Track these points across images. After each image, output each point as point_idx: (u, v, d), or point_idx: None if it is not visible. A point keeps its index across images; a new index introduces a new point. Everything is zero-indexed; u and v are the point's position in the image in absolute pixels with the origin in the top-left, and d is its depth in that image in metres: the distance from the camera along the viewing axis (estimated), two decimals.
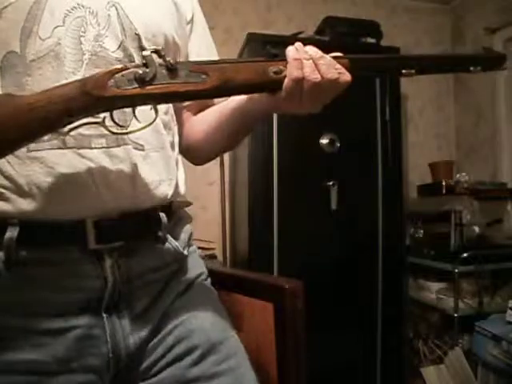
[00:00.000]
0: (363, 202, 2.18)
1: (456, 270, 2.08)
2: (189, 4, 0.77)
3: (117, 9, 0.62)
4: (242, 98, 0.68)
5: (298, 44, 0.62)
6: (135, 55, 0.62)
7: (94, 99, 0.51)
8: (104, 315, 0.60)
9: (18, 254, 0.56)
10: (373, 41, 2.33)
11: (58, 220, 0.57)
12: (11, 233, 0.55)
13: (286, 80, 0.59)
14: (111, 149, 0.60)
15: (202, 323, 0.68)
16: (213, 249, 2.26)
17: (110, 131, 0.54)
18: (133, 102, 0.54)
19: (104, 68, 0.56)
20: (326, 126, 2.08)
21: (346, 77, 0.60)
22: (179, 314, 0.67)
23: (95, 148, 0.58)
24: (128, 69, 0.53)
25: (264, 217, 2.04)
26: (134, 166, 0.62)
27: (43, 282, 0.57)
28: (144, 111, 0.58)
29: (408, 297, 2.41)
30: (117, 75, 0.52)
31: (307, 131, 1.96)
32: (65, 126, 0.52)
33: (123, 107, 0.55)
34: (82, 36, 0.59)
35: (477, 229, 2.19)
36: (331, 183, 2.09)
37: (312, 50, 0.61)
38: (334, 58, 0.61)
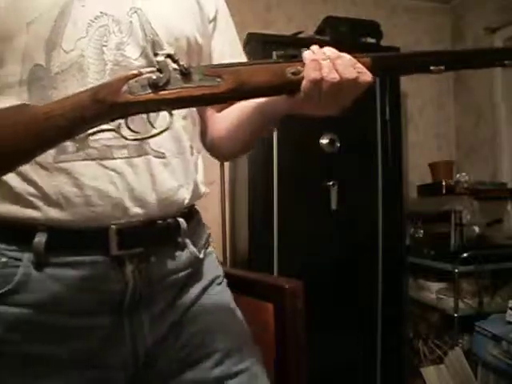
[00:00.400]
0: (363, 202, 2.18)
1: (456, 270, 2.08)
2: (211, 2, 0.76)
3: (138, 15, 0.62)
4: (263, 98, 0.68)
5: (315, 46, 0.60)
6: (155, 61, 0.62)
7: (107, 106, 0.51)
8: (125, 316, 0.63)
9: (47, 257, 0.59)
10: (373, 41, 2.33)
11: (83, 227, 0.60)
12: (40, 238, 0.58)
13: (304, 81, 0.57)
14: (133, 159, 0.61)
15: (220, 328, 0.70)
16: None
17: (124, 138, 0.55)
18: (147, 107, 0.54)
19: None
20: (326, 126, 2.08)
21: (366, 76, 0.58)
22: (196, 318, 0.69)
23: (118, 158, 0.60)
24: (142, 74, 0.53)
25: (264, 217, 2.04)
26: (155, 175, 0.63)
27: (69, 283, 0.60)
28: (162, 118, 0.58)
29: (408, 297, 2.41)
30: (130, 81, 0.52)
31: (307, 131, 1.96)
32: (80, 133, 0.53)
33: (137, 113, 0.54)
34: (104, 45, 0.59)
35: (477, 229, 2.19)
36: (331, 183, 2.09)
37: (330, 50, 0.59)
38: (355, 57, 0.59)
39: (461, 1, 2.83)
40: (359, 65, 0.58)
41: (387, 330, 2.19)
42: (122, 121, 0.54)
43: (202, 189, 0.74)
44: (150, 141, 0.61)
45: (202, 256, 0.73)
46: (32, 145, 0.50)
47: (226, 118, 0.78)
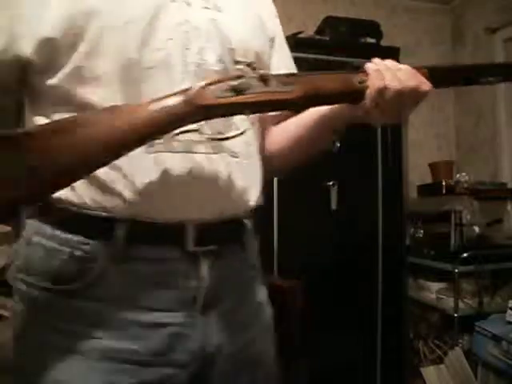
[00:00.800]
0: (363, 202, 2.19)
1: (456, 270, 2.08)
2: (271, 21, 0.81)
3: (215, 25, 0.67)
4: (324, 108, 0.72)
5: (376, 59, 0.64)
6: (230, 67, 0.67)
7: (195, 108, 0.55)
8: (198, 314, 0.64)
9: (125, 251, 0.60)
10: (373, 41, 2.33)
11: (162, 221, 0.62)
12: (120, 230, 0.60)
13: (369, 89, 0.61)
14: (211, 155, 0.64)
15: (267, 350, 0.74)
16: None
17: (207, 138, 0.59)
18: (229, 110, 0.58)
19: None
20: None
21: (426, 85, 0.62)
22: (253, 329, 0.72)
23: (198, 153, 0.63)
24: (224, 80, 0.57)
25: (264, 217, 2.04)
26: (230, 173, 0.66)
27: (146, 278, 0.62)
28: (236, 122, 0.64)
29: (408, 297, 2.41)
30: (214, 86, 0.57)
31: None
32: (170, 132, 0.58)
33: (221, 116, 0.59)
34: (187, 49, 0.64)
35: (477, 229, 2.19)
36: (331, 183, 2.09)
37: (391, 62, 0.64)
38: (413, 68, 0.63)
39: (461, 1, 2.83)
40: (419, 75, 0.63)
41: (387, 330, 2.19)
42: (203, 122, 0.59)
43: (261, 197, 0.76)
44: (225, 141, 0.65)
45: (256, 262, 0.76)
46: (132, 140, 0.54)
47: (283, 131, 0.82)
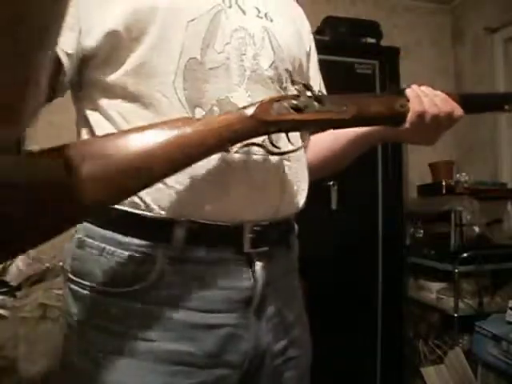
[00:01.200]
0: (363, 202, 2.18)
1: (456, 270, 2.08)
2: (307, 37, 0.84)
3: (268, 33, 0.70)
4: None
5: (414, 86, 0.70)
6: (283, 74, 0.71)
7: (259, 123, 0.58)
8: (252, 314, 0.66)
9: (184, 252, 0.61)
10: (373, 41, 2.33)
11: (220, 222, 0.62)
12: (179, 232, 0.61)
13: (410, 113, 0.67)
14: (268, 157, 0.66)
15: (306, 351, 0.76)
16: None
17: (268, 152, 0.62)
18: (291, 126, 0.61)
19: (259, 84, 0.67)
20: None
21: (459, 111, 0.70)
22: (294, 333, 0.73)
23: (255, 154, 0.65)
24: (285, 98, 0.61)
25: None
26: (283, 175, 0.69)
27: (203, 279, 0.62)
28: (295, 135, 0.67)
29: (408, 297, 2.41)
30: (276, 103, 0.59)
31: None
32: (235, 144, 0.59)
33: (283, 131, 0.62)
34: (243, 54, 0.66)
35: (477, 229, 2.19)
36: (331, 183, 2.09)
37: (428, 89, 0.70)
38: (447, 94, 0.70)
39: (461, 1, 2.82)
40: (452, 101, 0.69)
41: (387, 330, 2.19)
42: (265, 136, 0.61)
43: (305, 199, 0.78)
44: (286, 147, 0.67)
45: (297, 264, 0.79)
46: (197, 153, 0.55)
47: (322, 143, 0.85)
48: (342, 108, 0.63)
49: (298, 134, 0.71)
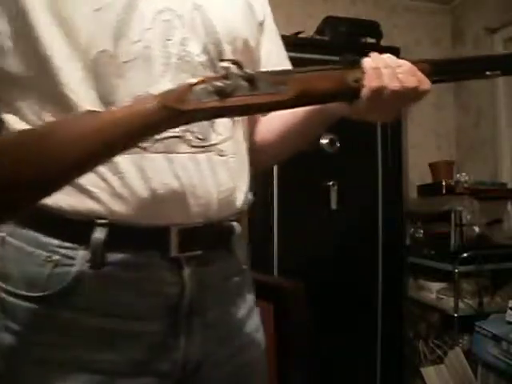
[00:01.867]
0: (363, 202, 2.18)
1: (456, 270, 2.08)
2: (260, 6, 0.76)
3: (200, 12, 0.62)
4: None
5: (375, 53, 0.60)
6: (216, 58, 0.63)
7: (174, 113, 0.50)
8: (181, 322, 0.61)
9: (104, 256, 0.57)
10: (373, 41, 2.33)
11: (145, 225, 0.58)
12: (99, 234, 0.56)
13: (365, 89, 0.57)
14: (196, 154, 0.60)
15: (257, 357, 0.71)
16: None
17: (189, 144, 0.55)
18: (213, 114, 0.54)
19: (189, 73, 0.58)
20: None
21: (426, 85, 0.58)
22: (242, 339, 0.69)
23: (182, 153, 0.59)
24: (208, 81, 0.52)
25: (264, 217, 2.04)
26: (216, 173, 0.62)
27: (125, 284, 0.58)
28: (224, 122, 0.58)
29: (408, 297, 2.41)
30: (196, 88, 0.51)
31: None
32: (147, 139, 0.53)
33: (203, 120, 0.54)
34: (168, 39, 0.59)
35: (477, 229, 2.19)
36: (331, 183, 2.09)
37: (390, 58, 0.59)
38: (413, 63, 0.59)
39: (461, 1, 2.82)
40: (419, 73, 0.58)
41: (387, 330, 2.19)
42: (186, 127, 0.54)
43: (249, 195, 0.73)
44: (212, 138, 0.62)
45: (245, 267, 0.73)
46: (101, 150, 0.49)
47: (277, 123, 0.77)
48: (280, 88, 0.54)
49: (229, 121, 0.63)
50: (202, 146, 0.59)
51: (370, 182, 2.20)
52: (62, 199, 0.56)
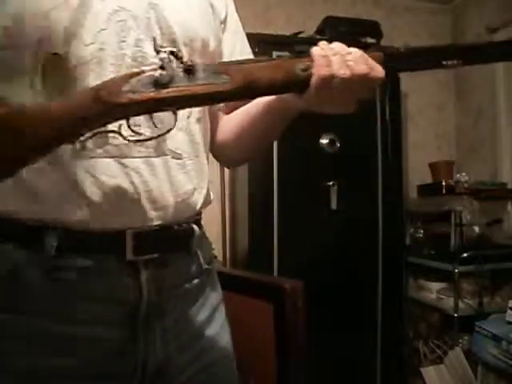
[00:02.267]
0: (363, 202, 2.18)
1: (456, 270, 2.08)
2: (223, 4, 0.74)
3: (156, 11, 0.60)
4: (269, 98, 0.65)
5: (323, 42, 0.58)
6: (174, 60, 0.61)
7: (108, 106, 0.48)
8: (139, 326, 0.60)
9: (57, 261, 0.56)
10: (373, 41, 2.33)
11: (98, 229, 0.57)
12: (51, 239, 0.55)
13: (314, 78, 0.54)
14: (151, 158, 0.59)
15: (224, 357, 0.70)
16: (212, 249, 2.26)
17: (124, 138, 0.52)
18: (149, 107, 0.51)
19: None
20: (326, 126, 2.08)
21: (377, 72, 0.56)
22: (203, 343, 0.68)
23: (136, 157, 0.58)
24: (144, 72, 0.50)
25: (264, 217, 2.04)
26: (172, 176, 0.61)
27: (81, 290, 0.57)
28: (168, 119, 0.55)
29: (408, 297, 2.41)
30: (132, 80, 0.49)
31: (307, 131, 1.96)
32: (82, 135, 0.51)
33: (139, 114, 0.52)
34: (122, 41, 0.57)
35: (477, 229, 2.19)
36: (331, 183, 2.09)
37: (339, 45, 0.57)
38: (366, 51, 0.57)
39: (461, 1, 2.82)
40: (371, 60, 0.56)
41: (387, 330, 2.19)
42: (124, 121, 0.51)
43: (211, 195, 0.73)
44: (168, 141, 0.60)
45: (210, 267, 0.72)
46: (32, 144, 0.48)
47: (234, 121, 0.76)
48: (221, 78, 0.51)
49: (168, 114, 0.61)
50: (137, 141, 0.56)
51: (369, 182, 2.20)
52: (13, 203, 0.55)
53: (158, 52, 0.52)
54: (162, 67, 0.50)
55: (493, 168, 2.55)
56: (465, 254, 2.09)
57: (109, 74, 0.56)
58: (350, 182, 2.14)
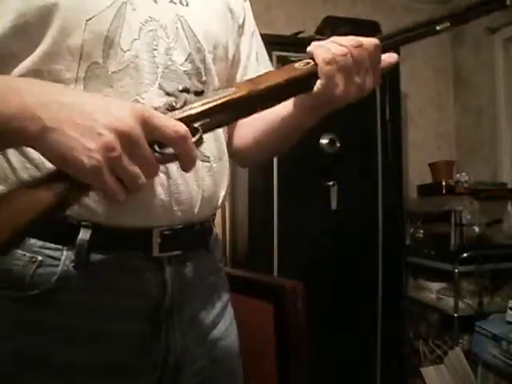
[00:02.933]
0: (363, 202, 2.18)
1: (456, 270, 2.08)
2: (241, 8, 0.78)
3: (182, 22, 0.63)
4: (288, 105, 0.68)
5: (315, 42, 0.61)
6: (201, 67, 0.65)
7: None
8: (161, 321, 0.62)
9: (88, 257, 0.58)
10: None
11: (128, 227, 0.59)
12: (84, 235, 0.57)
13: (320, 64, 0.57)
14: None
15: (232, 350, 0.73)
16: None
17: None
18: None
19: (175, 81, 0.60)
20: (326, 126, 2.08)
21: (371, 40, 0.60)
22: (215, 334, 0.70)
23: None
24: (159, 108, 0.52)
25: (264, 217, 2.04)
26: (200, 179, 0.64)
27: (108, 285, 0.59)
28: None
29: (408, 297, 2.41)
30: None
31: (307, 131, 1.96)
32: None
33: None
34: (154, 49, 0.60)
35: (477, 229, 2.19)
36: (331, 183, 2.09)
37: (330, 39, 0.61)
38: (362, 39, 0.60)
39: (461, 1, 2.82)
40: (360, 38, 0.60)
41: (387, 330, 2.19)
42: None
43: (226, 196, 0.75)
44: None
45: (221, 265, 0.75)
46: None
47: (253, 124, 0.78)
48: (229, 90, 0.54)
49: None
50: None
51: (369, 182, 2.20)
52: None
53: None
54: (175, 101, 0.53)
55: (493, 168, 2.55)
56: (465, 254, 2.09)
57: (146, 79, 0.59)
58: (350, 181, 2.14)
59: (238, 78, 0.79)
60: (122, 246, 0.60)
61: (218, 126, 0.57)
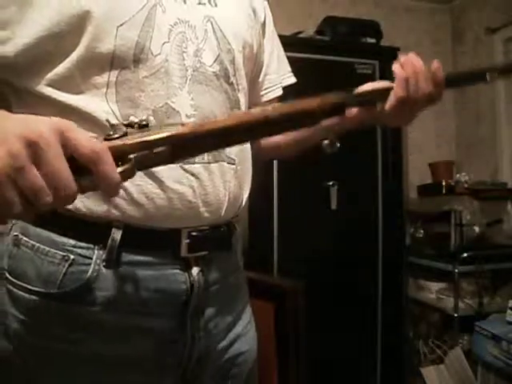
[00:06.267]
0: (363, 202, 2.18)
1: (456, 270, 2.08)
2: (262, 7, 0.79)
3: (211, 23, 0.64)
4: None
5: (404, 57, 0.67)
6: (229, 68, 0.66)
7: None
8: (188, 318, 0.64)
9: (119, 256, 0.60)
10: (373, 41, 2.33)
11: (158, 228, 0.61)
12: (115, 235, 0.59)
13: (393, 98, 0.67)
14: (210, 164, 0.63)
15: (250, 348, 0.74)
16: None
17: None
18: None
19: (204, 84, 0.62)
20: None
21: (439, 94, 0.69)
22: (236, 330, 0.72)
23: (197, 163, 0.62)
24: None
25: (264, 217, 2.04)
26: (227, 182, 0.66)
27: (138, 283, 0.61)
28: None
29: (408, 297, 2.41)
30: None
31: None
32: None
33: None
34: (184, 52, 0.61)
35: (477, 229, 2.19)
36: (331, 183, 2.09)
37: (414, 61, 0.67)
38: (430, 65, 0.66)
39: (461, 1, 2.82)
40: (437, 79, 0.66)
41: (387, 329, 2.19)
42: None
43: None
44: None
45: (241, 264, 0.77)
46: None
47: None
48: (173, 128, 0.50)
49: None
50: (214, 155, 0.63)
51: (369, 182, 2.20)
52: (80, 202, 0.59)
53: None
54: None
55: (493, 168, 2.55)
56: (465, 254, 2.09)
57: (175, 83, 0.60)
58: (350, 181, 2.14)
59: (261, 77, 0.81)
60: (151, 246, 0.62)
61: (158, 164, 0.50)
